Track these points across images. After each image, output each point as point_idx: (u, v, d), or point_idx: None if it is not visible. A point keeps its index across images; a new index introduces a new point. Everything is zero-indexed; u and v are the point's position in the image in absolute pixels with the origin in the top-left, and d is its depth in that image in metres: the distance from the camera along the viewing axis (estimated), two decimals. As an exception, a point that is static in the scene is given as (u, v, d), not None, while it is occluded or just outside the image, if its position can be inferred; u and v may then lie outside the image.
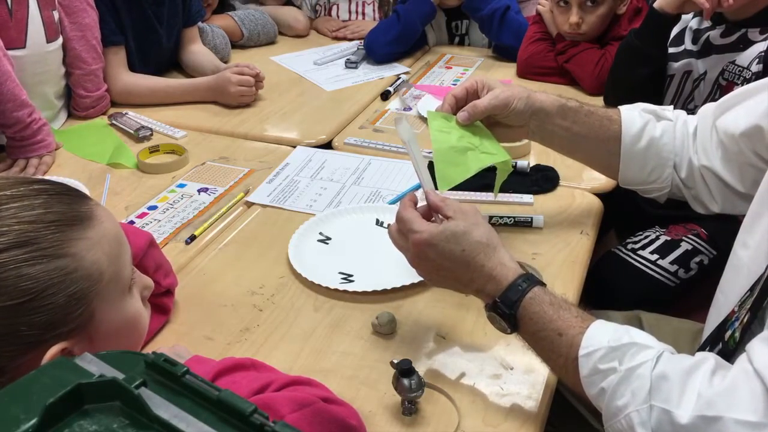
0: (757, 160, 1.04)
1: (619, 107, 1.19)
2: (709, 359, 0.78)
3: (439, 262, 0.92)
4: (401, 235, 0.97)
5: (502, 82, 1.17)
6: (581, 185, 1.41)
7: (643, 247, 1.55)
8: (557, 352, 0.85)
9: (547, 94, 1.16)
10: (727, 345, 0.87)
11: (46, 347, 0.72)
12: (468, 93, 1.13)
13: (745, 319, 0.84)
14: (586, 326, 0.84)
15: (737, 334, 0.86)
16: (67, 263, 0.72)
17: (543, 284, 0.89)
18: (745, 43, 1.56)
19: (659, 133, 1.15)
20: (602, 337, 0.82)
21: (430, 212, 0.98)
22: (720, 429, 0.71)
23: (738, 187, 1.09)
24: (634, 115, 1.16)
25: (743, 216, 0.98)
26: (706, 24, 1.64)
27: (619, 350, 0.80)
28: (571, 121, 1.15)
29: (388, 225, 1.01)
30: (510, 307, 0.87)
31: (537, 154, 1.50)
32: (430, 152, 1.50)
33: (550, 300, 0.87)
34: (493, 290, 0.89)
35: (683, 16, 1.67)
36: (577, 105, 1.16)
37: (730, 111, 1.10)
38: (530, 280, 0.89)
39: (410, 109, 1.82)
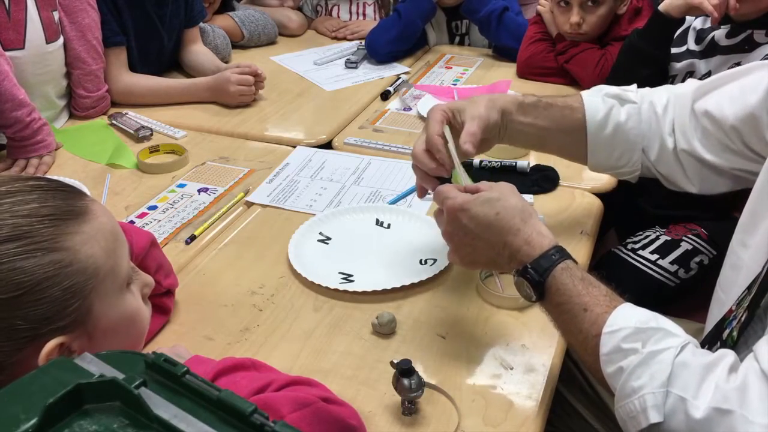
0: (747, 151, 1.03)
1: (581, 93, 1.17)
2: (729, 356, 0.78)
3: (472, 228, 0.92)
4: (440, 212, 0.98)
5: (471, 96, 1.13)
6: (581, 185, 1.41)
7: (643, 247, 1.55)
8: (579, 327, 0.85)
9: (505, 94, 1.14)
10: (726, 344, 0.87)
11: (43, 342, 0.72)
12: (444, 125, 1.07)
13: (743, 318, 0.85)
14: (614, 306, 0.83)
15: (735, 333, 0.86)
16: (62, 257, 0.73)
17: (575, 261, 0.89)
18: (751, 45, 1.55)
19: (624, 118, 1.13)
20: (629, 318, 0.81)
21: None
22: (731, 423, 0.72)
23: (719, 165, 1.08)
24: (596, 102, 1.14)
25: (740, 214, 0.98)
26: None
27: (645, 333, 0.79)
28: (532, 116, 1.13)
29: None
30: (540, 275, 0.87)
31: (537, 154, 1.50)
32: None
33: (582, 275, 0.87)
34: (526, 256, 0.89)
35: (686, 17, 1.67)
36: (534, 99, 1.14)
37: (711, 94, 1.08)
38: (563, 252, 0.89)
39: (410, 109, 1.81)
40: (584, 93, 1.17)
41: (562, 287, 0.86)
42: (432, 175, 1.06)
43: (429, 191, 1.09)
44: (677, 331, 0.81)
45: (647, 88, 1.18)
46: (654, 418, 0.75)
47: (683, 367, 0.76)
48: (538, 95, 1.16)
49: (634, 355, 0.79)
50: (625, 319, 0.81)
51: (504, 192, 0.94)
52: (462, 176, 1.02)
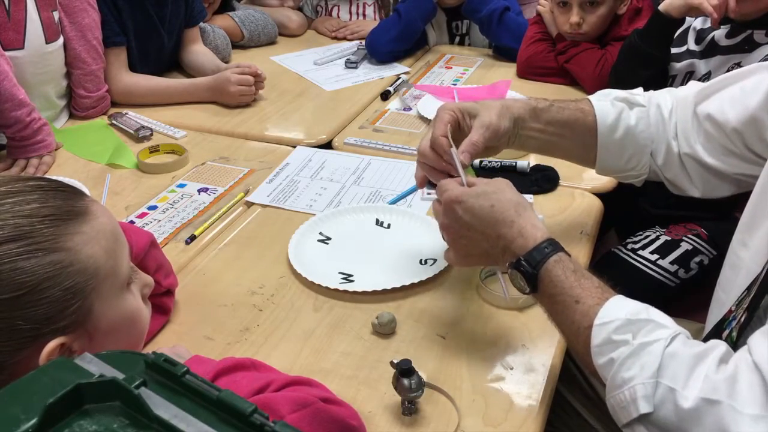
0: (748, 153, 1.03)
1: (589, 97, 1.17)
2: (720, 346, 0.78)
3: (467, 220, 0.94)
4: (438, 203, 0.99)
5: (482, 96, 1.13)
6: (581, 185, 1.41)
7: (643, 247, 1.55)
8: (571, 319, 0.85)
9: (516, 99, 1.13)
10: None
11: (44, 342, 0.72)
12: (452, 127, 1.06)
13: (743, 319, 0.85)
14: (606, 298, 0.84)
15: (734, 334, 0.86)
16: (63, 257, 0.73)
17: (568, 254, 0.90)
18: (751, 45, 1.55)
19: (634, 122, 1.13)
20: (620, 310, 0.82)
21: None
22: (719, 413, 0.72)
23: (721, 169, 1.08)
24: (606, 106, 1.14)
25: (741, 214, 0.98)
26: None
27: (635, 324, 0.80)
28: (544, 122, 1.13)
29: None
30: (533, 267, 0.88)
31: (537, 154, 1.50)
32: None
33: (574, 267, 0.88)
34: (520, 248, 0.90)
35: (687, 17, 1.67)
36: (547, 104, 1.14)
37: (713, 97, 1.08)
38: (556, 245, 0.89)
39: (410, 109, 1.81)
40: (592, 97, 1.17)
41: (555, 279, 0.87)
42: (438, 170, 1.06)
43: (428, 191, 1.09)
44: (667, 322, 0.81)
45: (652, 91, 1.18)
46: (644, 408, 0.76)
47: (672, 358, 0.77)
48: (550, 99, 1.16)
49: (625, 347, 0.79)
50: (617, 311, 0.82)
51: (500, 186, 0.96)
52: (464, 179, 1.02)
